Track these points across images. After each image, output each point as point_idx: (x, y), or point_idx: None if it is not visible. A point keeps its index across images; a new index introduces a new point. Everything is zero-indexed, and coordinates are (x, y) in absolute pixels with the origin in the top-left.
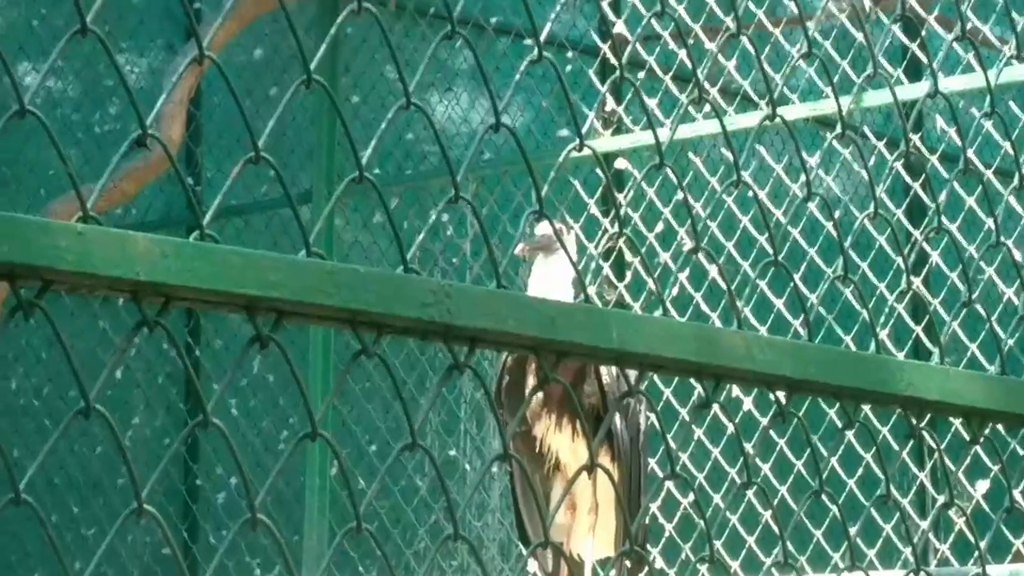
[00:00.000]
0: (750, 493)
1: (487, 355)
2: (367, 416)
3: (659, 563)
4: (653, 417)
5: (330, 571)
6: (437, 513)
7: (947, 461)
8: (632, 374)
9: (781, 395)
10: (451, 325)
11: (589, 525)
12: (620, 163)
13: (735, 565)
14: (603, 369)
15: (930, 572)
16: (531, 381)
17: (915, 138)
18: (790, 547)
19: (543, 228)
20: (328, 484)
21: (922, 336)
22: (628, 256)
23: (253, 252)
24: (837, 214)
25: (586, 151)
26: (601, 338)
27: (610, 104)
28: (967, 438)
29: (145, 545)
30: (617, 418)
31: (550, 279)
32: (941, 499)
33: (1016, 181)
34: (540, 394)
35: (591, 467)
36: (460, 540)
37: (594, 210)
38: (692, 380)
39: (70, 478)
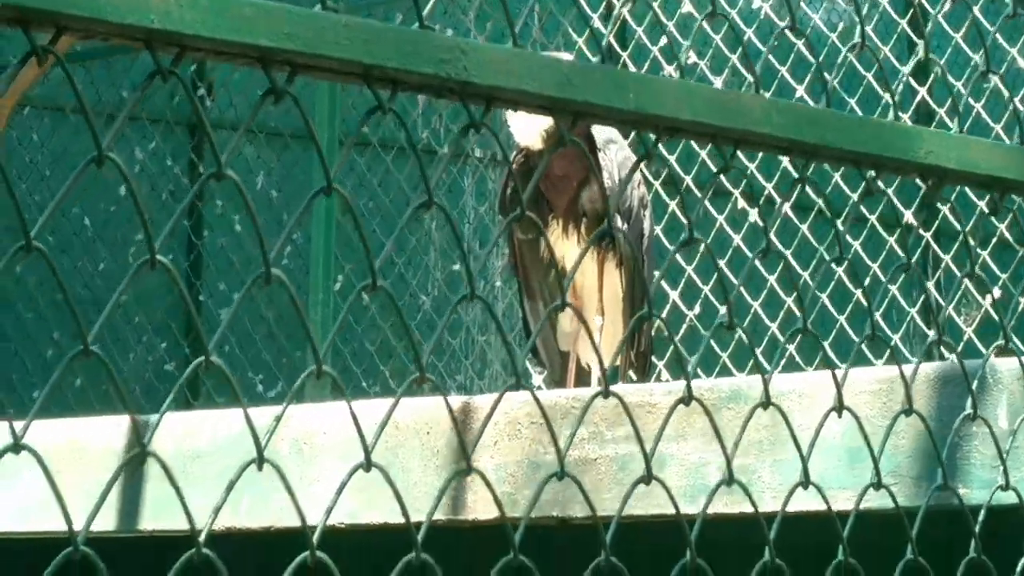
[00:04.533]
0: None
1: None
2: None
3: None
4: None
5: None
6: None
7: (971, 240)
8: (632, 185)
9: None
10: (468, 82)
11: (595, 331)
12: None
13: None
14: (604, 173)
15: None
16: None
17: None
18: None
19: None
20: (332, 299)
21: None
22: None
23: (267, 3)
24: None
25: None
26: (618, 99)
27: None
28: (985, 210)
29: (147, 363)
30: (620, 222)
31: None
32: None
33: None
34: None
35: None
36: (476, 299)
37: None
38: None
39: (72, 294)
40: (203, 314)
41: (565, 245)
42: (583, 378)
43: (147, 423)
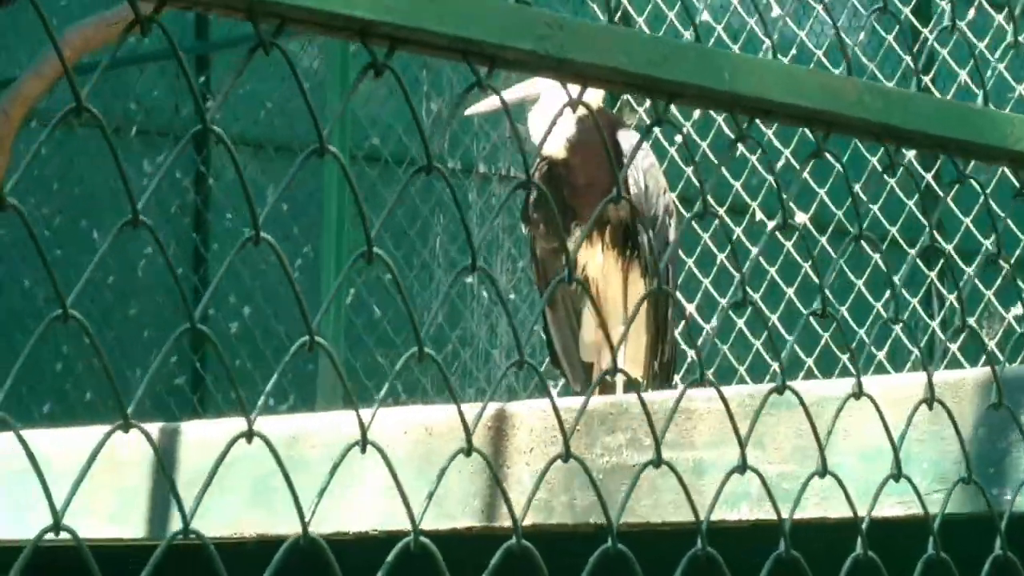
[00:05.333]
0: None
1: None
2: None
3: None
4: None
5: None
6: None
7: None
8: (657, 192)
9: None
10: (564, 59)
11: (621, 344)
12: None
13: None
14: (630, 180)
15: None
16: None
17: None
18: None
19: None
20: (343, 314)
21: None
22: None
23: None
24: None
25: None
26: (713, 79)
27: None
28: None
29: (157, 376)
30: (646, 231)
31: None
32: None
33: None
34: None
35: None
36: (479, 271)
37: None
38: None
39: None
40: (210, 326)
41: (589, 253)
42: (606, 390)
43: (176, 430)
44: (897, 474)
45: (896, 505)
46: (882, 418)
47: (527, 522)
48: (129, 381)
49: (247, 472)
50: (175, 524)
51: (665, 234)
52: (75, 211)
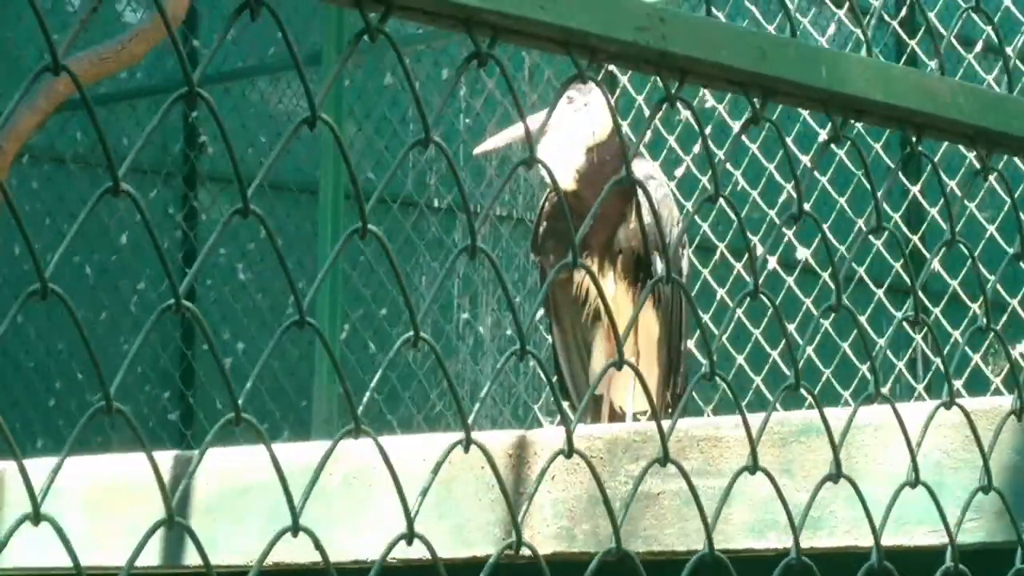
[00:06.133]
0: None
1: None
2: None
3: None
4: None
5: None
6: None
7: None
8: (671, 223)
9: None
10: (665, 52)
11: (630, 376)
12: None
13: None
14: (644, 209)
15: None
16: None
17: None
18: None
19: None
20: (338, 348)
21: None
22: None
23: None
24: None
25: None
26: (811, 76)
27: None
28: None
29: (152, 410)
30: (659, 262)
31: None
32: None
33: None
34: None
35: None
36: (479, 253)
37: None
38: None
39: (73, 343)
40: (203, 362)
41: (600, 283)
42: (616, 422)
43: (189, 460)
44: (987, 487)
45: (929, 534)
46: (974, 432)
47: (548, 550)
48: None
49: (263, 501)
50: (188, 553)
51: (679, 265)
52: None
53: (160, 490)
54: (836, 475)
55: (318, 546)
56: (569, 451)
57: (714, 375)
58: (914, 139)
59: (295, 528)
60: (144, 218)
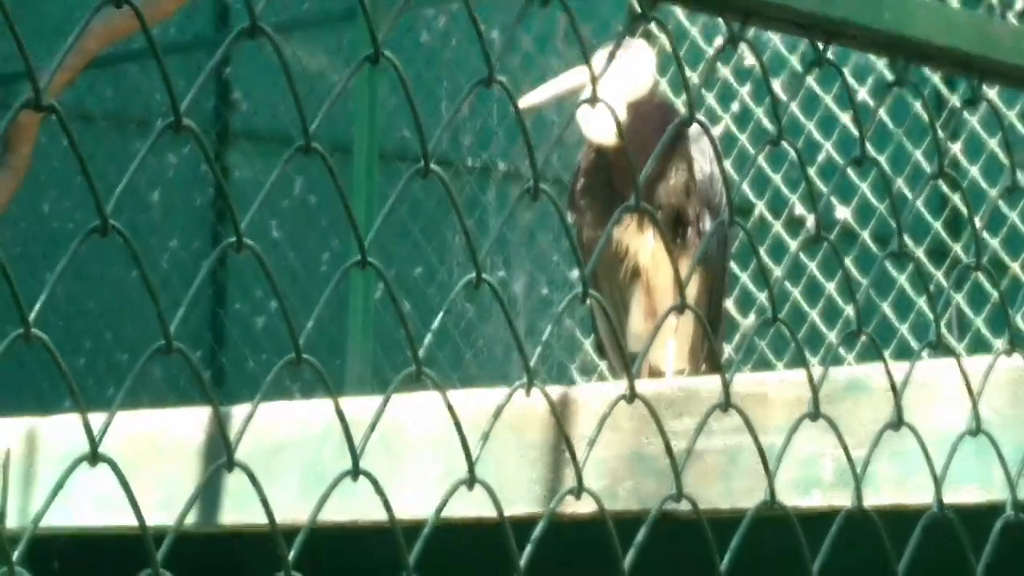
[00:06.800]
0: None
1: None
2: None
3: None
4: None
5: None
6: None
7: None
8: (721, 182)
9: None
10: None
11: (669, 334)
12: None
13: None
14: (696, 167)
15: None
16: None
17: None
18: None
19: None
20: (372, 306)
21: None
22: None
23: None
24: None
25: None
26: (874, 19)
27: None
28: None
29: (181, 368)
30: (707, 217)
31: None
32: None
33: None
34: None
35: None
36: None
37: None
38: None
39: (103, 303)
40: (235, 321)
41: (639, 240)
42: (655, 377)
43: (227, 414)
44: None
45: (976, 491)
46: None
47: (588, 509)
48: (154, 376)
49: (296, 459)
50: (224, 511)
51: (724, 225)
52: (89, 209)
53: (221, 435)
54: (897, 423)
55: (378, 489)
56: (631, 396)
57: (775, 320)
58: (977, 83)
59: (355, 472)
60: (200, 143)
